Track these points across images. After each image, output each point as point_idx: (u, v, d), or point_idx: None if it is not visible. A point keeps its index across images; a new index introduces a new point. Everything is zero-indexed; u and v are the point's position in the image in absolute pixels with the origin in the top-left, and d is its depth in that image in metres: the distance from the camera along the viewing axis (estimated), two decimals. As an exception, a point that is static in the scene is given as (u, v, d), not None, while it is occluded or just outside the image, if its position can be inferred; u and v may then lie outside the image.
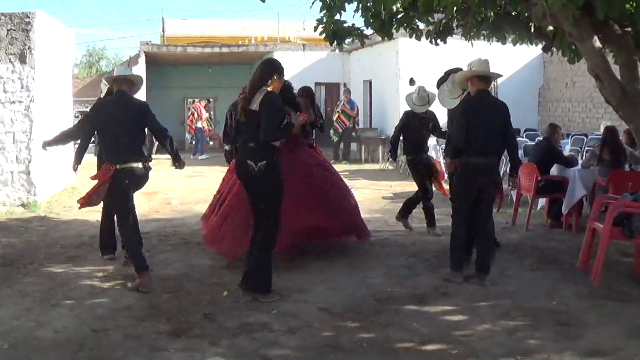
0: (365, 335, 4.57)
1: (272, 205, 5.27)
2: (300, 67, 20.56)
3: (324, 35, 7.46)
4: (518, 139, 12.58)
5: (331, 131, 17.72)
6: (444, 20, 7.27)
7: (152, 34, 61.61)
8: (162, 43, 24.69)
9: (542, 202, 8.89)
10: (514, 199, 8.75)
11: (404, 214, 8.22)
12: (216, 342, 4.41)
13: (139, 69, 20.46)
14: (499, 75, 6.44)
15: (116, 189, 5.76)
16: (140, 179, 5.87)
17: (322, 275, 6.09)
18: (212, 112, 24.31)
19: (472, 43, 7.40)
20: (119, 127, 5.75)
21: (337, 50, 21.02)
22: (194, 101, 23.42)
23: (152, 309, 5.11)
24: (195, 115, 20.92)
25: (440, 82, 7.70)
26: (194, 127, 20.99)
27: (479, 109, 5.81)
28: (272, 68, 5.34)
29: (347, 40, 7.71)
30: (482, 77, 5.92)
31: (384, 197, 11.25)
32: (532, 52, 17.28)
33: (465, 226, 5.88)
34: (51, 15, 11.12)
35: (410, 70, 17.44)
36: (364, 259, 6.69)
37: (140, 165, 5.77)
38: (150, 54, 21.45)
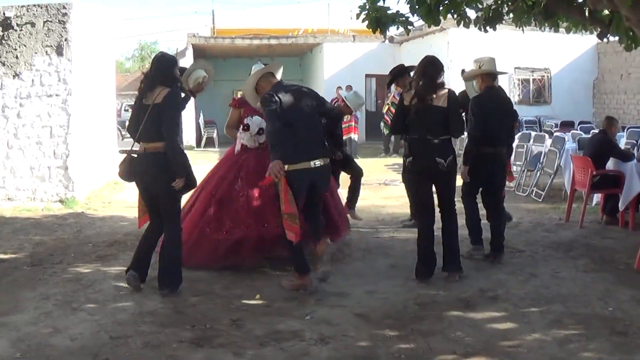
0: (404, 345, 4.14)
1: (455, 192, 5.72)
2: (350, 58, 20.16)
3: (366, 22, 7.03)
4: (572, 131, 11.99)
5: (381, 124, 17.28)
6: (493, 6, 6.75)
7: (202, 27, 61.90)
8: (213, 35, 24.50)
9: (597, 197, 8.31)
10: (568, 193, 8.17)
11: None
12: (241, 352, 4.04)
13: (187, 62, 20.38)
14: (505, 73, 6.94)
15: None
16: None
17: (363, 277, 5.70)
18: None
19: (523, 29, 6.85)
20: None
21: (386, 41, 20.60)
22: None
23: (178, 314, 4.79)
24: None
25: (390, 83, 8.49)
26: None
27: (491, 103, 6.20)
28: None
29: (397, 31, 7.29)
30: (490, 75, 6.46)
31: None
32: (586, 42, 16.61)
33: (476, 204, 6.34)
34: (94, 4, 11.00)
35: (461, 61, 16.87)
36: (407, 260, 6.20)
37: None
38: (198, 46, 21.35)
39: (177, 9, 78.35)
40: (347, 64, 19.96)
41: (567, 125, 14.35)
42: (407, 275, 5.68)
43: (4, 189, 9.85)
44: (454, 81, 16.78)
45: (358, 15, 6.96)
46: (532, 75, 17.72)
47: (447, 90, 5.50)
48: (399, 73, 8.04)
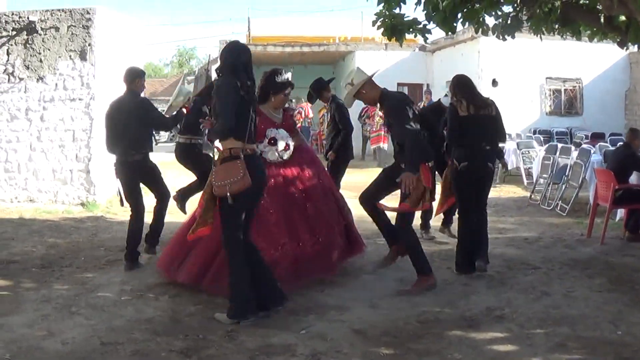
0: (398, 365, 4.00)
1: None
2: (382, 67, 19.80)
3: (381, 30, 6.91)
4: (600, 143, 11.66)
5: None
6: (512, 14, 6.56)
7: (238, 34, 62.26)
8: (248, 42, 24.55)
9: (621, 212, 8.01)
10: (591, 208, 7.91)
11: (446, 223, 7.67)
12: (228, 365, 3.96)
13: (219, 69, 20.45)
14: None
15: None
16: None
17: (368, 291, 5.54)
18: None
19: (541, 37, 6.64)
20: None
21: (416, 49, 20.38)
22: (297, 101, 23.08)
23: (174, 323, 4.72)
24: (303, 114, 19.93)
25: (314, 97, 8.33)
26: (301, 126, 20.44)
27: None
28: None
29: (431, 39, 7.20)
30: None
31: (455, 203, 10.48)
32: (617, 52, 16.21)
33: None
34: (121, 11, 11.09)
35: (492, 70, 16.67)
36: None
37: None
38: (231, 52, 21.40)
39: (214, 16, 79.12)
40: (379, 72, 19.82)
41: (597, 137, 13.97)
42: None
43: (26, 191, 9.97)
44: (484, 90, 16.56)
45: (374, 23, 6.85)
46: (564, 86, 17.33)
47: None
48: (321, 87, 7.98)
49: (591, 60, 16.89)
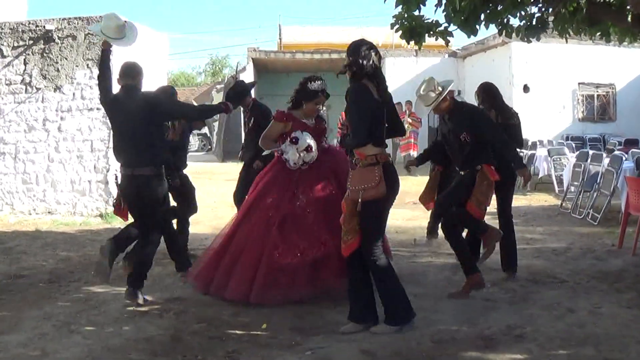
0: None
1: None
2: (412, 73, 19.70)
3: (399, 32, 6.67)
4: (633, 149, 11.18)
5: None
6: (537, 14, 6.25)
7: (268, 42, 62.49)
8: (279, 49, 24.41)
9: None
10: (622, 217, 7.50)
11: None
12: (224, 390, 3.71)
13: (247, 76, 20.40)
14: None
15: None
16: None
17: (382, 308, 5.23)
18: (327, 120, 23.37)
19: (566, 39, 6.30)
20: None
21: (445, 55, 20.03)
22: (327, 109, 22.77)
23: (174, 342, 4.49)
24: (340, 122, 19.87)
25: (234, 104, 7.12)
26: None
27: None
28: None
29: (461, 45, 6.96)
30: None
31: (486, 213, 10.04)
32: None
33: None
34: (152, 21, 11.00)
35: (524, 76, 16.29)
36: (437, 289, 5.76)
37: None
38: (259, 61, 21.29)
39: (243, 24, 79.51)
40: (409, 79, 19.49)
41: (631, 144, 13.46)
42: (431, 306, 5.22)
43: (44, 203, 9.91)
44: (516, 96, 16.17)
45: (392, 25, 6.61)
46: (597, 91, 16.82)
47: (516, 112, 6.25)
48: (243, 91, 7.33)
49: (625, 65, 16.42)
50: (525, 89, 16.26)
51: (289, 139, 5.57)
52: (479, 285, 5.46)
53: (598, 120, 16.79)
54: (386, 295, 4.61)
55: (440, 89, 5.50)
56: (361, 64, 4.46)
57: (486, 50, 18.10)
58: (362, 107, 4.42)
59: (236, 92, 7.28)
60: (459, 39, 35.97)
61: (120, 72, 5.49)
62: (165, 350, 4.33)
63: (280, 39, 27.71)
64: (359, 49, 4.50)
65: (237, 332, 4.70)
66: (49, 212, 9.86)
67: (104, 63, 5.52)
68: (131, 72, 5.48)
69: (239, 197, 7.09)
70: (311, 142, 5.56)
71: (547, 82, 16.22)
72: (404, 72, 19.74)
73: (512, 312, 5.05)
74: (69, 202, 9.90)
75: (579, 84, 16.61)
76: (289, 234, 5.33)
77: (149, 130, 5.32)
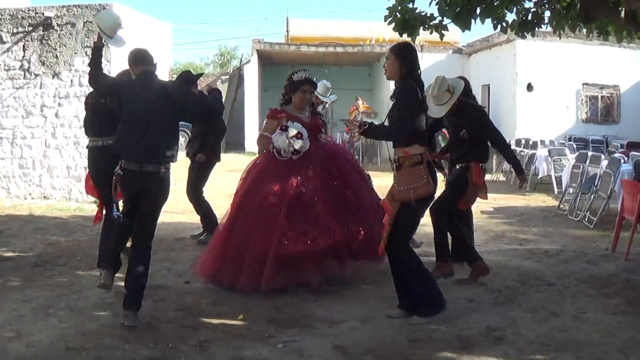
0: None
1: None
2: (416, 68, 19.55)
3: (392, 25, 6.58)
4: (633, 152, 11.07)
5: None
6: (532, 9, 6.16)
7: (275, 33, 62.23)
8: (286, 42, 24.32)
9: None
10: (616, 222, 7.41)
11: None
12: (191, 379, 3.68)
13: (252, 68, 20.34)
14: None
15: None
16: None
17: (363, 303, 5.18)
18: (330, 114, 23.29)
19: (559, 35, 6.20)
20: None
21: (450, 51, 19.89)
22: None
23: (148, 329, 4.46)
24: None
25: None
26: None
27: None
28: None
29: (467, 41, 6.91)
30: None
31: (482, 212, 9.85)
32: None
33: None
34: (157, 11, 10.98)
35: (528, 74, 16.13)
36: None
37: None
38: (264, 52, 21.22)
39: (249, 15, 79.20)
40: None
41: (633, 146, 13.30)
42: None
43: (40, 188, 9.92)
44: (519, 95, 16.05)
45: (386, 18, 6.52)
46: (601, 92, 16.65)
47: None
48: (189, 82, 6.57)
49: (630, 66, 16.26)
50: (529, 87, 16.12)
51: (279, 128, 5.61)
52: (486, 271, 5.67)
53: (601, 122, 16.62)
54: (419, 287, 4.71)
55: (452, 89, 5.51)
56: (412, 66, 4.63)
57: (491, 47, 17.97)
58: (415, 106, 4.58)
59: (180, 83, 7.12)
60: (465, 36, 35.80)
61: (135, 58, 4.98)
62: (138, 336, 4.30)
63: (287, 31, 27.65)
64: (410, 51, 4.72)
65: (213, 321, 4.67)
66: (44, 197, 9.87)
67: (98, 59, 5.02)
68: (148, 57, 5.01)
69: (192, 191, 7.36)
70: (302, 130, 5.57)
71: (551, 82, 16.07)
72: (408, 67, 19.63)
73: (495, 313, 4.97)
74: (64, 187, 9.90)
75: (583, 84, 16.45)
76: (298, 222, 5.34)
77: (169, 122, 4.82)
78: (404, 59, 4.63)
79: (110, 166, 5.06)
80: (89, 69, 4.96)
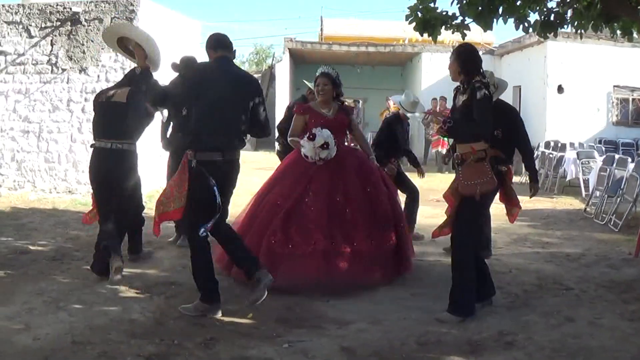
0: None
1: None
2: (447, 69, 19.37)
3: (413, 24, 6.53)
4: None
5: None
6: (555, 9, 6.04)
7: (309, 32, 62.38)
8: (320, 41, 24.30)
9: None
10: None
11: None
12: (191, 377, 3.67)
13: (284, 66, 20.38)
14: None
15: None
16: None
17: (375, 304, 5.14)
18: (362, 114, 23.27)
19: (581, 35, 6.07)
20: None
21: (481, 51, 19.63)
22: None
23: (156, 325, 4.48)
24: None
25: None
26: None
27: None
28: None
29: (498, 43, 6.85)
30: None
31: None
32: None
33: None
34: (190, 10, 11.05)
35: (558, 76, 15.84)
36: (436, 289, 5.56)
37: None
38: (295, 51, 21.24)
39: (284, 14, 79.35)
40: (445, 75, 18.99)
41: (664, 150, 13.03)
42: (426, 306, 5.09)
43: (65, 182, 10.03)
44: (550, 96, 15.77)
45: (407, 17, 6.48)
46: (632, 95, 16.25)
47: None
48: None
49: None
50: (560, 89, 15.83)
51: (307, 135, 5.67)
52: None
53: (632, 125, 16.22)
54: (460, 285, 4.77)
55: (497, 86, 5.67)
56: (472, 65, 4.87)
57: (522, 48, 17.70)
58: (488, 107, 4.72)
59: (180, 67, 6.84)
60: (499, 37, 35.39)
61: (214, 42, 4.89)
62: (145, 332, 4.31)
63: (321, 30, 27.59)
64: (467, 52, 4.96)
65: (222, 319, 4.65)
66: (69, 192, 9.98)
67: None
68: (227, 42, 4.93)
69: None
70: (329, 139, 5.61)
71: (581, 84, 15.76)
72: (439, 68, 19.42)
73: (509, 317, 4.87)
74: (89, 182, 9.97)
75: (614, 86, 16.08)
76: (289, 225, 5.42)
77: (243, 110, 4.78)
78: (462, 60, 4.84)
79: (113, 170, 5.21)
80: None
